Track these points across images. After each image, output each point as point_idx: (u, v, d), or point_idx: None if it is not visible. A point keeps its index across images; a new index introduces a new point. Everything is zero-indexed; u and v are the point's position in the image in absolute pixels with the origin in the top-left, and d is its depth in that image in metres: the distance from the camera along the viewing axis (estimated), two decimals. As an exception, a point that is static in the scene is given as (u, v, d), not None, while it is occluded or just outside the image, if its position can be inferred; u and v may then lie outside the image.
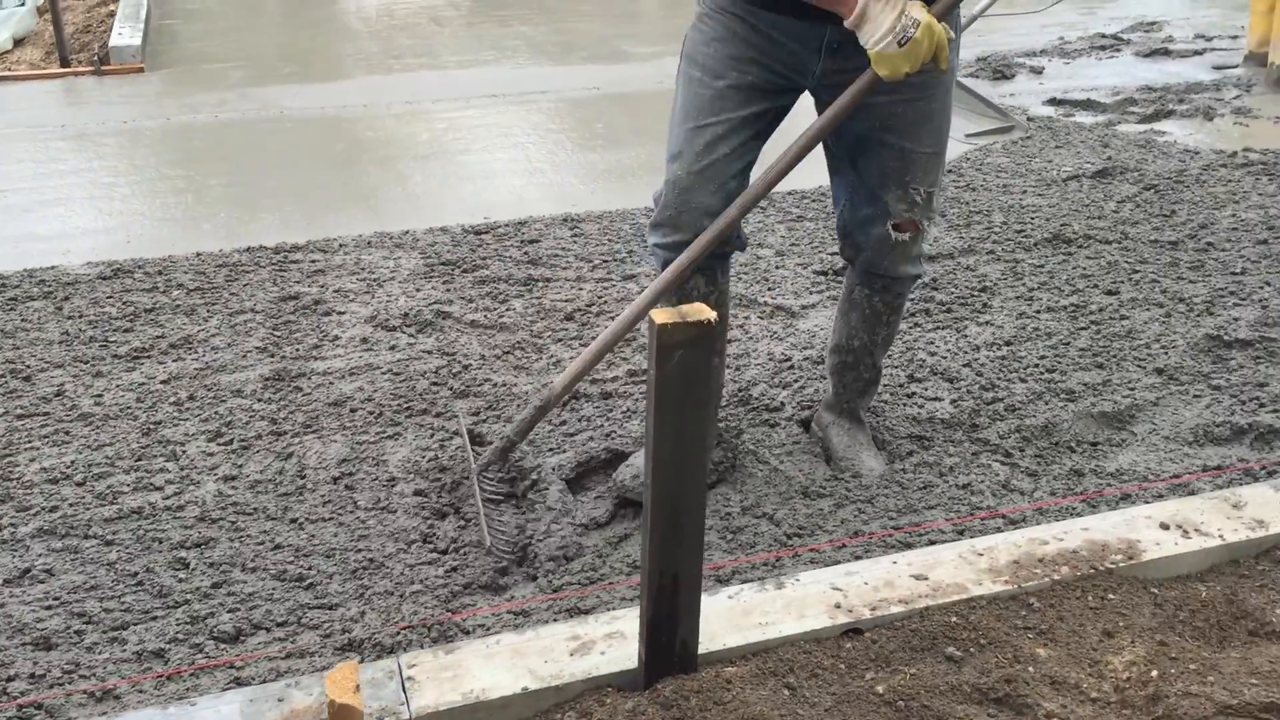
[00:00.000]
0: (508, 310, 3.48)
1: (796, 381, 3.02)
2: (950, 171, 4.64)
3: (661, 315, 1.66)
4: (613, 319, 3.43)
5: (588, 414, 2.89)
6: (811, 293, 3.57)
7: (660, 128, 5.22)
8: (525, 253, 3.90)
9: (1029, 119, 5.38)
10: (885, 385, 2.99)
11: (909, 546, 2.34)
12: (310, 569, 2.31)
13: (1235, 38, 6.96)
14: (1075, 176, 4.52)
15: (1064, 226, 4.00)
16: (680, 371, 1.67)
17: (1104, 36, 7.12)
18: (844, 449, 2.69)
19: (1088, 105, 5.63)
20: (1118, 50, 6.84)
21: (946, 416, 2.85)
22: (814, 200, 4.36)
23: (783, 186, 4.43)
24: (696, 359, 1.68)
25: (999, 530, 2.38)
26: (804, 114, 2.37)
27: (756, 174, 2.35)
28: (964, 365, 3.08)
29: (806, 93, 2.39)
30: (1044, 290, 3.54)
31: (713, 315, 1.66)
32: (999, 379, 3.01)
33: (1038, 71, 6.34)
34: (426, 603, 2.20)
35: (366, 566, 2.32)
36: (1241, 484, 2.49)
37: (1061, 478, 2.59)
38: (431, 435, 2.80)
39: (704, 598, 2.04)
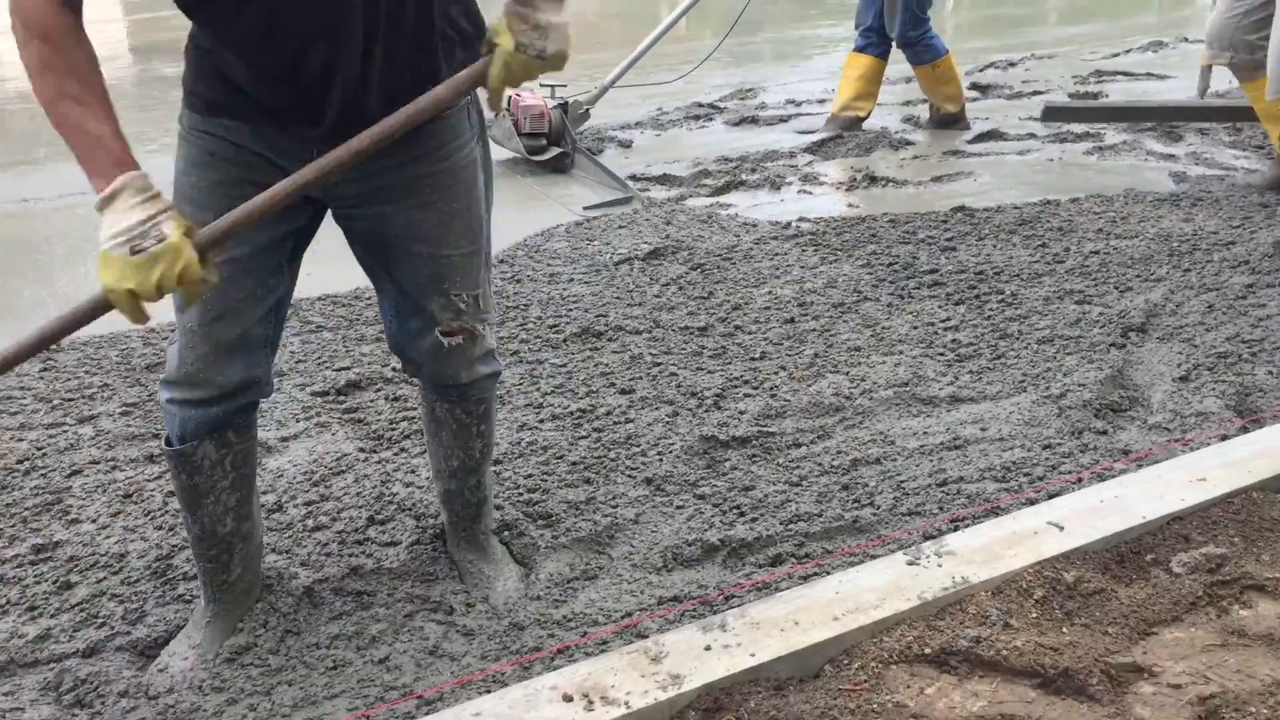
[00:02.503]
0: (-89, 479, 2.88)
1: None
2: (503, 262, 4.38)
3: None
4: (45, 476, 2.90)
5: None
6: (300, 419, 3.15)
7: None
8: (-30, 398, 3.30)
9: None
10: (337, 532, 2.60)
11: (295, 755, 1.94)
12: None
13: (823, 101, 7.16)
14: (628, 259, 4.34)
15: (599, 318, 3.78)
16: None
17: (700, 105, 7.17)
18: (474, 583, 2.43)
19: (664, 180, 5.54)
20: (710, 119, 6.88)
21: (396, 565, 2.48)
22: (345, 304, 3.98)
23: (312, 291, 4.03)
24: None
25: (410, 716, 2.03)
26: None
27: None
28: (441, 496, 2.74)
29: None
30: (558, 394, 3.27)
31: None
32: (472, 511, 2.68)
33: (626, 145, 6.26)
34: None
35: None
36: (695, 617, 2.25)
37: (498, 635, 2.26)
38: None
39: None
